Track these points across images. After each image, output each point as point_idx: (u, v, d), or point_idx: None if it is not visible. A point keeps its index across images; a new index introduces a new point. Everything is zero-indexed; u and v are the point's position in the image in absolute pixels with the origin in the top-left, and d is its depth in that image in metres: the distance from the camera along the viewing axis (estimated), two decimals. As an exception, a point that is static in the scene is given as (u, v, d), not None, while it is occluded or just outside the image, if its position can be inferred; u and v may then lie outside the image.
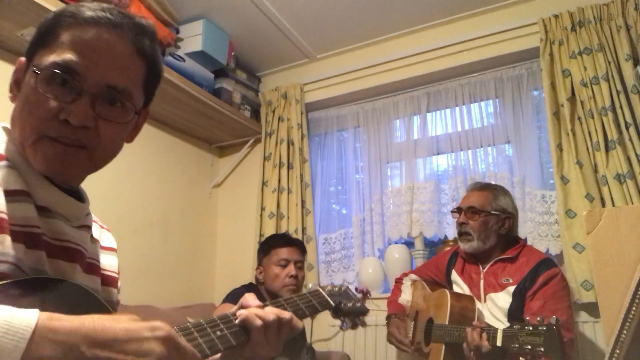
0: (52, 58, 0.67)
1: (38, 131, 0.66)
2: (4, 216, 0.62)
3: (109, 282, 0.84)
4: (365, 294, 1.43)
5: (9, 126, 0.73)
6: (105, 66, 0.69)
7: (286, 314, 0.80)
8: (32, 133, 0.66)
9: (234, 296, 1.90)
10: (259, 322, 0.75)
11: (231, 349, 0.74)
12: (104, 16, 0.71)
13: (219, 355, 0.78)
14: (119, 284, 0.89)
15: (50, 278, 0.64)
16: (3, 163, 0.67)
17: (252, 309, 0.78)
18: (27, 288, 0.57)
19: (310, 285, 1.07)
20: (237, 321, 0.76)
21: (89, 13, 0.70)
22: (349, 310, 1.06)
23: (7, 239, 0.61)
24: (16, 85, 0.73)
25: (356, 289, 1.20)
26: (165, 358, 0.55)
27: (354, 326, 1.09)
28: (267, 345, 0.77)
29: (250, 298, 0.81)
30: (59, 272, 0.69)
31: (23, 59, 0.73)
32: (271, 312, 0.78)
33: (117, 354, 0.52)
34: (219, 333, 0.71)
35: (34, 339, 0.48)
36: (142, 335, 0.54)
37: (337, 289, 1.09)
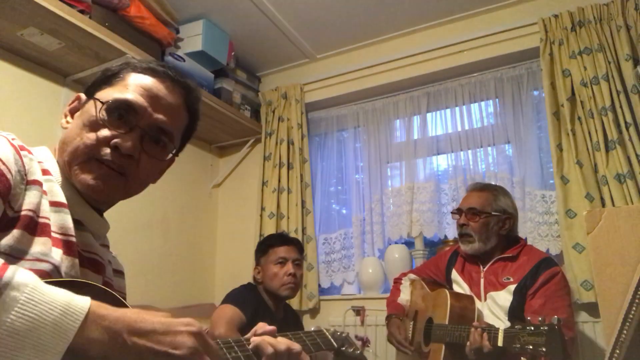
0: (116, 95, 0.79)
1: (90, 153, 0.76)
2: (48, 222, 0.69)
3: (118, 303, 0.90)
4: (365, 342, 1.48)
5: (47, 148, 0.81)
6: (159, 110, 0.81)
7: (296, 346, 0.87)
8: (83, 154, 0.76)
9: (233, 297, 1.90)
10: (270, 350, 0.83)
11: None
12: (163, 70, 0.84)
13: None
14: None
15: (87, 282, 0.69)
16: (49, 177, 0.74)
17: (266, 337, 0.85)
18: (71, 288, 0.61)
19: (312, 328, 1.14)
20: (250, 346, 0.83)
21: (152, 65, 0.84)
22: (350, 355, 1.14)
23: (50, 242, 0.68)
24: (70, 114, 0.83)
25: (356, 337, 1.26)
26: (195, 350, 0.61)
27: None
28: None
29: (263, 325, 0.88)
30: (87, 280, 0.74)
31: (83, 95, 0.83)
32: (283, 342, 0.85)
33: (154, 343, 0.59)
34: (233, 354, 0.77)
35: (86, 322, 0.55)
36: (177, 328, 0.62)
37: (339, 333, 1.16)
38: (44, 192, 0.71)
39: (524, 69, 2.49)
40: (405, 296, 2.06)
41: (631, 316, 1.10)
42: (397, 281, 2.15)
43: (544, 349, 1.23)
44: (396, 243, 2.65)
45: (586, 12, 2.20)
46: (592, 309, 2.01)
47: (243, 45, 2.84)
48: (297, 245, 2.06)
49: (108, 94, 0.79)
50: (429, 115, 2.72)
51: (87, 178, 0.75)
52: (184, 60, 2.47)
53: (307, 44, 2.86)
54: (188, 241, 2.86)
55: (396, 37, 2.78)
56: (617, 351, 1.10)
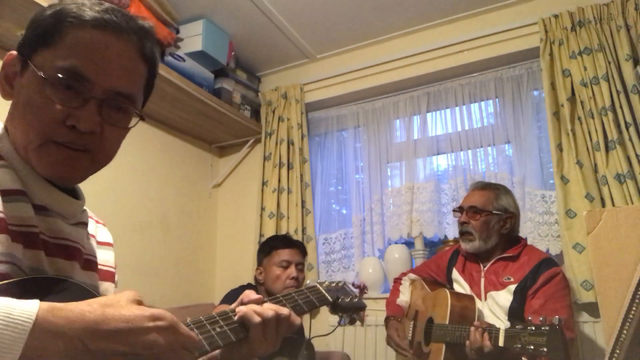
0: (59, 62, 0.66)
1: (44, 136, 0.65)
2: (2, 216, 0.62)
3: (106, 277, 0.85)
4: (363, 289, 1.44)
5: (2, 124, 0.72)
6: (112, 73, 0.69)
7: (284, 310, 0.79)
8: (37, 137, 0.66)
9: (230, 297, 1.90)
10: (257, 319, 0.75)
11: (230, 345, 0.74)
12: (109, 19, 0.70)
13: (217, 352, 0.78)
14: (116, 278, 0.89)
15: (49, 277, 0.64)
16: None
17: (251, 305, 0.78)
18: (27, 288, 0.56)
19: (308, 282, 1.08)
20: (236, 317, 0.76)
21: (93, 14, 0.69)
22: (347, 305, 1.07)
23: (8, 238, 0.61)
24: (7, 80, 0.72)
25: (353, 284, 1.21)
26: (168, 348, 0.55)
27: (351, 321, 1.11)
28: (266, 342, 0.77)
29: (249, 293, 0.81)
30: (58, 270, 0.69)
31: (15, 52, 0.72)
32: (269, 309, 0.77)
33: (121, 345, 0.52)
34: (218, 329, 0.71)
35: (34, 331, 0.47)
36: (144, 325, 0.54)
37: (334, 284, 1.10)
38: None
39: (524, 69, 2.49)
40: (404, 297, 2.06)
41: (631, 316, 1.10)
42: (397, 281, 2.15)
43: (545, 349, 1.23)
44: (396, 243, 2.65)
45: (586, 12, 2.20)
46: (592, 309, 2.01)
47: (243, 45, 2.84)
48: (301, 249, 2.05)
49: (48, 59, 0.67)
50: (429, 115, 2.72)
51: (49, 164, 0.66)
52: (184, 60, 2.47)
53: (307, 44, 2.86)
54: (188, 241, 2.86)
55: (396, 37, 2.78)
56: (617, 351, 1.10)
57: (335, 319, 1.14)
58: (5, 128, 0.72)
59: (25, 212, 0.65)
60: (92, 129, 0.67)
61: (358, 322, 1.12)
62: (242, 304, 0.79)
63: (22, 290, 0.57)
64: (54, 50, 0.67)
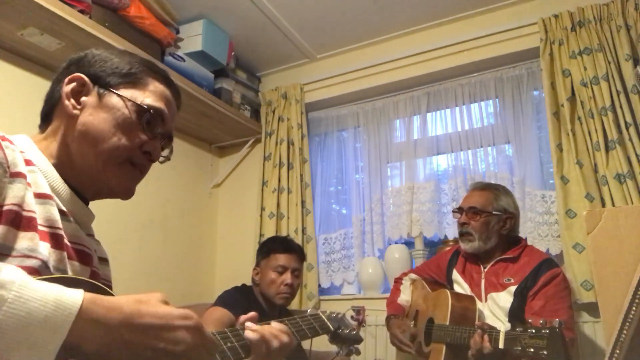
0: (150, 101, 0.83)
1: (127, 156, 0.80)
2: (34, 215, 0.67)
3: (104, 292, 0.88)
4: (361, 322, 1.47)
5: (26, 136, 0.80)
6: (173, 119, 0.90)
7: (286, 339, 0.90)
8: (123, 156, 0.80)
9: (223, 299, 1.88)
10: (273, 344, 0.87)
11: None
12: (172, 81, 0.92)
13: None
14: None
15: (79, 278, 0.68)
16: (32, 168, 0.72)
17: (264, 328, 0.88)
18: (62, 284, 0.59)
19: (309, 310, 1.14)
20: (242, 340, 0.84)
21: (163, 72, 0.90)
22: (346, 337, 1.13)
23: (37, 236, 0.66)
24: (75, 97, 0.81)
25: (352, 317, 1.25)
26: (194, 347, 0.60)
27: (348, 353, 1.16)
28: None
29: (245, 318, 0.91)
30: (75, 272, 0.74)
31: (85, 76, 0.82)
32: (278, 337, 0.88)
33: (152, 339, 0.57)
34: (229, 344, 0.77)
35: (80, 317, 0.52)
36: (175, 323, 0.59)
37: (334, 315, 1.15)
38: (28, 184, 0.69)
39: (524, 69, 2.49)
40: (405, 296, 2.06)
41: (631, 316, 1.10)
42: (398, 281, 2.15)
43: (545, 353, 1.22)
44: (396, 243, 2.65)
45: (586, 12, 2.20)
46: (592, 309, 2.01)
47: (243, 45, 2.84)
48: (299, 254, 2.03)
49: (135, 96, 0.82)
50: (429, 115, 2.72)
51: (125, 180, 0.82)
52: (184, 60, 2.47)
53: (307, 44, 2.86)
54: (188, 241, 2.86)
55: (396, 37, 2.78)
56: (617, 351, 1.10)
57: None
58: (36, 140, 0.80)
59: (54, 214, 0.72)
60: (158, 158, 0.87)
61: (354, 355, 1.18)
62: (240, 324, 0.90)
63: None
64: (141, 91, 0.84)
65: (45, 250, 0.67)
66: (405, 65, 2.69)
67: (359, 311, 1.59)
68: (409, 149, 2.69)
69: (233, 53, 2.78)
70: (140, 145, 0.81)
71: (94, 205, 0.89)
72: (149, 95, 0.84)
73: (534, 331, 1.27)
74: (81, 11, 1.90)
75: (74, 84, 0.82)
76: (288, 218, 2.76)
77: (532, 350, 1.25)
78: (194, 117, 2.71)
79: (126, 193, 0.84)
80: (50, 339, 0.50)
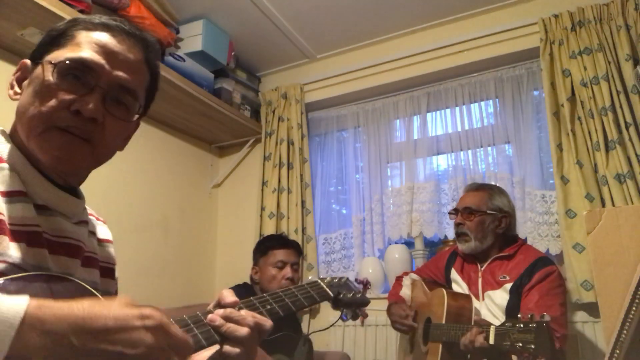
0: (68, 54, 0.71)
1: (48, 121, 0.68)
2: (2, 217, 0.63)
3: (106, 273, 0.87)
4: (366, 285, 1.42)
5: (6, 130, 0.75)
6: (118, 67, 0.73)
7: (260, 320, 0.74)
8: (40, 123, 0.68)
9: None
10: (242, 331, 0.70)
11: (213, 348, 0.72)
12: (116, 24, 0.77)
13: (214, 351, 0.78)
14: (116, 274, 0.91)
15: (43, 274, 0.64)
16: (1, 165, 0.68)
17: (227, 314, 0.72)
18: (22, 285, 0.57)
19: (310, 278, 1.06)
20: (212, 325, 0.70)
21: (102, 20, 0.76)
22: (349, 301, 1.04)
23: (5, 239, 0.62)
24: (18, 83, 0.76)
25: (356, 280, 1.20)
26: (155, 347, 0.53)
27: (354, 317, 1.08)
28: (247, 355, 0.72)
29: (227, 295, 0.75)
30: (61, 267, 0.71)
31: (27, 60, 0.76)
32: (247, 324, 0.71)
33: (106, 344, 0.51)
34: (202, 329, 0.69)
35: (22, 328, 0.47)
36: (132, 324, 0.53)
37: (336, 280, 1.07)
38: None
39: (524, 69, 2.49)
40: (407, 291, 2.07)
41: (631, 316, 1.10)
42: (399, 278, 2.16)
43: (532, 347, 1.24)
44: (396, 243, 2.65)
45: (586, 12, 2.20)
46: (592, 309, 2.01)
47: (243, 45, 2.84)
48: (297, 249, 2.06)
49: (59, 55, 0.71)
50: (429, 115, 2.72)
51: (50, 149, 0.68)
52: (184, 60, 2.47)
53: (307, 44, 2.86)
54: (188, 241, 2.86)
55: (396, 37, 2.78)
56: (617, 351, 1.10)
57: (335, 316, 1.12)
58: (10, 131, 0.75)
59: (27, 212, 0.67)
60: (95, 115, 0.70)
61: (359, 321, 1.10)
62: (220, 306, 0.74)
63: (17, 287, 0.58)
64: (65, 48, 0.73)
65: (16, 251, 0.63)
66: (405, 65, 2.69)
67: (363, 281, 1.55)
68: (409, 149, 2.69)
69: (233, 53, 2.78)
70: (63, 105, 0.69)
71: (93, 204, 0.89)
72: (73, 49, 0.72)
73: (522, 326, 1.29)
74: (81, 11, 1.90)
75: (19, 71, 0.76)
76: (288, 218, 2.76)
77: (520, 344, 1.27)
78: (194, 117, 2.71)
79: (59, 161, 0.70)
80: None
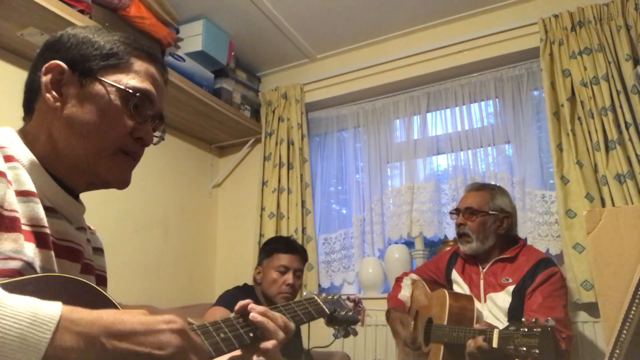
0: (134, 84, 0.77)
1: (118, 145, 0.76)
2: (17, 215, 0.65)
3: (100, 281, 0.89)
4: (357, 303, 1.45)
5: (10, 129, 0.76)
6: (162, 99, 0.84)
7: (292, 325, 0.86)
8: (111, 146, 0.76)
9: (224, 298, 1.89)
10: (281, 334, 0.82)
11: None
12: (157, 56, 0.85)
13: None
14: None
15: (62, 276, 0.66)
16: (13, 164, 0.69)
17: (268, 315, 0.83)
18: (43, 285, 0.58)
19: (305, 294, 1.11)
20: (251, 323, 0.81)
21: (147, 49, 0.83)
22: (342, 319, 1.11)
23: (21, 237, 0.64)
24: (55, 89, 0.75)
25: (347, 298, 1.23)
26: (181, 349, 0.57)
27: (346, 334, 1.14)
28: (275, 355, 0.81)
29: (254, 305, 0.84)
30: (64, 271, 0.72)
31: (63, 64, 0.75)
32: (283, 327, 0.84)
33: (136, 345, 0.54)
34: (222, 335, 0.73)
35: (58, 331, 0.50)
36: (159, 327, 0.57)
37: (330, 297, 1.13)
38: (9, 182, 0.66)
39: (524, 69, 2.49)
40: (406, 292, 2.06)
41: (631, 316, 1.10)
42: (399, 279, 2.16)
43: (537, 351, 1.23)
44: (396, 243, 2.65)
45: (586, 12, 2.20)
46: (592, 309, 2.01)
47: (243, 45, 2.84)
48: (302, 255, 2.04)
49: (120, 79, 0.77)
50: (429, 115, 2.72)
51: (118, 171, 0.77)
52: (184, 60, 2.47)
53: (307, 44, 2.86)
54: (188, 241, 2.86)
55: (396, 37, 2.78)
56: (617, 351, 1.10)
57: (329, 331, 1.19)
58: (23, 131, 0.77)
59: (38, 212, 0.69)
60: (152, 143, 0.81)
61: (352, 335, 1.15)
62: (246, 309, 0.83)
63: (38, 287, 0.59)
64: (125, 74, 0.78)
65: (30, 250, 0.65)
66: (405, 65, 2.69)
67: (354, 300, 1.58)
68: (409, 149, 2.69)
69: (233, 53, 2.78)
70: (130, 132, 0.77)
71: (93, 204, 0.89)
72: (134, 77, 0.78)
73: (526, 330, 1.29)
74: (81, 11, 1.90)
75: (51, 74, 0.75)
76: (288, 218, 2.76)
77: (524, 349, 1.26)
78: (194, 117, 2.71)
79: (122, 183, 0.79)
80: (26, 358, 0.47)
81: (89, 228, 0.92)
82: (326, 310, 1.06)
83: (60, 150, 0.74)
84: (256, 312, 0.81)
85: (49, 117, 0.75)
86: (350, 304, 1.20)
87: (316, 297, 1.08)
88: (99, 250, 0.91)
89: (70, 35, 0.79)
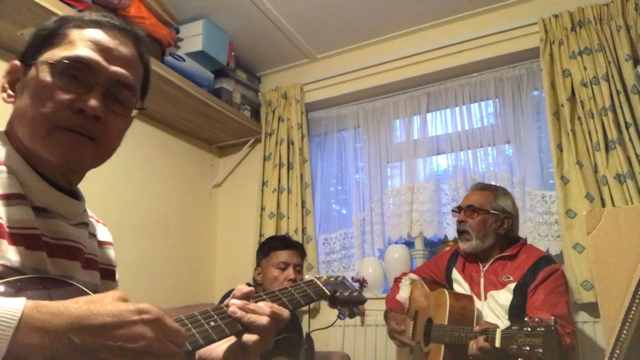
0: (63, 53, 0.70)
1: (51, 121, 0.68)
2: (1, 221, 0.63)
3: (107, 275, 0.87)
4: (362, 282, 1.42)
5: (2, 129, 0.75)
6: (114, 62, 0.73)
7: (278, 309, 0.77)
8: (43, 124, 0.68)
9: (227, 298, 1.90)
10: (263, 320, 0.73)
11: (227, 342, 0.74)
12: (107, 20, 0.76)
13: (221, 354, 0.78)
14: (117, 276, 0.91)
15: (41, 277, 0.64)
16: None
17: (245, 305, 0.75)
18: (21, 288, 0.57)
19: (306, 277, 1.07)
20: (232, 316, 0.73)
21: (94, 17, 0.75)
22: (346, 299, 1.04)
23: (4, 242, 0.62)
24: (11, 86, 0.75)
25: (352, 279, 1.20)
26: (155, 340, 0.54)
27: (351, 315, 1.08)
28: (263, 342, 0.74)
29: (241, 287, 0.78)
30: (60, 270, 0.71)
31: (17, 62, 0.75)
32: (264, 312, 0.75)
33: (107, 340, 0.52)
34: (212, 324, 0.70)
35: (20, 328, 0.48)
36: (130, 319, 0.53)
37: (332, 279, 1.08)
38: None
39: (524, 69, 2.49)
40: (404, 293, 2.06)
41: (631, 316, 1.10)
42: (397, 280, 2.16)
43: (540, 350, 1.23)
44: (396, 243, 2.65)
45: (586, 12, 2.20)
46: (592, 309, 2.01)
47: (243, 45, 2.84)
48: (300, 250, 2.05)
49: (53, 54, 0.71)
50: (429, 115, 2.72)
51: (57, 150, 0.68)
52: (184, 60, 2.47)
53: (307, 44, 2.86)
54: (188, 241, 2.86)
55: (396, 37, 2.78)
56: (617, 351, 1.10)
57: (334, 316, 1.14)
58: (5, 133, 0.74)
59: (25, 215, 0.67)
60: (98, 113, 0.70)
61: (358, 322, 1.10)
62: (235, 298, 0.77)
63: (14, 290, 0.58)
64: (59, 47, 0.72)
65: (15, 254, 0.63)
66: (405, 65, 2.69)
67: (359, 280, 1.53)
68: (409, 149, 2.69)
69: (233, 53, 2.78)
70: (65, 105, 0.68)
71: (93, 204, 0.89)
72: (67, 47, 0.71)
73: (529, 329, 1.29)
74: (81, 11, 1.90)
75: (9, 75, 0.75)
76: (288, 218, 2.76)
77: (527, 348, 1.26)
78: (194, 117, 2.71)
79: (70, 162, 0.70)
80: None
81: (97, 221, 0.90)
82: (326, 291, 1.00)
83: (25, 146, 0.71)
84: (235, 306, 0.73)
85: (11, 116, 0.74)
86: (356, 284, 1.16)
87: (315, 279, 1.02)
88: (105, 244, 0.89)
89: (30, 33, 0.76)
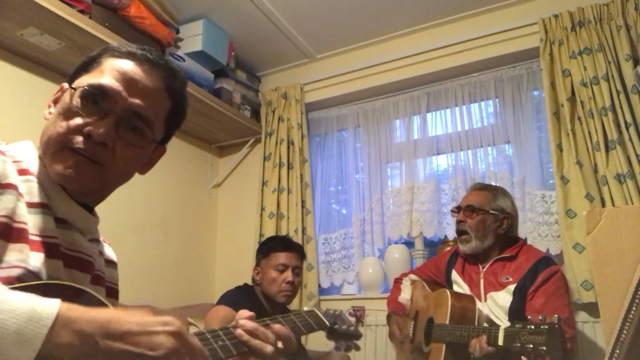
0: (90, 80, 0.75)
1: (62, 141, 0.72)
2: (25, 227, 0.66)
3: (112, 294, 0.90)
4: (359, 318, 1.45)
5: (29, 143, 0.78)
6: (135, 94, 0.76)
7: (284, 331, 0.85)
8: (56, 143, 0.72)
9: (227, 298, 1.90)
10: (269, 349, 0.79)
11: None
12: (142, 53, 0.80)
13: None
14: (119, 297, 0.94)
15: (63, 284, 0.67)
16: (27, 177, 0.71)
17: (253, 329, 0.80)
18: (44, 292, 0.58)
19: (305, 308, 1.11)
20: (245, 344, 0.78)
21: (130, 49, 0.80)
22: (343, 332, 1.11)
23: (27, 247, 0.65)
24: (54, 104, 0.79)
25: (349, 314, 1.23)
26: (174, 351, 0.57)
27: (347, 349, 1.14)
28: None
29: (242, 313, 0.83)
30: (72, 280, 0.73)
31: (65, 84, 0.79)
32: (268, 339, 0.81)
33: (129, 345, 0.55)
34: (220, 343, 0.74)
35: (54, 327, 0.51)
36: (154, 328, 0.57)
37: (331, 311, 1.13)
38: (20, 195, 0.68)
39: (524, 69, 2.49)
40: (405, 295, 2.06)
41: (631, 316, 1.10)
42: (398, 281, 2.16)
43: (544, 348, 1.23)
44: (396, 243, 2.65)
45: (586, 12, 2.20)
46: (592, 309, 2.01)
47: (243, 45, 2.84)
48: (299, 252, 2.04)
49: (83, 80, 0.76)
50: (429, 115, 2.72)
51: (59, 168, 0.72)
52: (184, 60, 2.47)
53: (307, 44, 2.86)
54: (188, 241, 2.86)
55: (396, 37, 2.78)
56: (617, 351, 1.10)
57: (329, 345, 1.19)
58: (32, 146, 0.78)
59: (47, 224, 0.70)
60: (104, 139, 0.72)
61: (353, 350, 1.15)
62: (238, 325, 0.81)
63: (40, 294, 0.59)
64: (90, 74, 0.77)
65: (37, 260, 0.66)
66: (405, 65, 2.69)
67: (358, 310, 1.59)
68: (409, 149, 2.69)
69: (233, 53, 2.78)
70: (77, 129, 0.72)
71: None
72: (95, 75, 0.76)
73: (533, 327, 1.28)
74: (81, 11, 1.90)
75: (58, 93, 0.80)
76: (288, 218, 2.76)
77: (531, 346, 1.26)
78: (194, 117, 2.71)
79: (66, 180, 0.73)
80: (22, 353, 0.48)
81: (104, 240, 0.93)
82: (326, 322, 1.06)
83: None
84: (243, 329, 0.79)
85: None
86: (352, 319, 1.21)
87: (316, 310, 1.08)
88: (111, 263, 0.92)
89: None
